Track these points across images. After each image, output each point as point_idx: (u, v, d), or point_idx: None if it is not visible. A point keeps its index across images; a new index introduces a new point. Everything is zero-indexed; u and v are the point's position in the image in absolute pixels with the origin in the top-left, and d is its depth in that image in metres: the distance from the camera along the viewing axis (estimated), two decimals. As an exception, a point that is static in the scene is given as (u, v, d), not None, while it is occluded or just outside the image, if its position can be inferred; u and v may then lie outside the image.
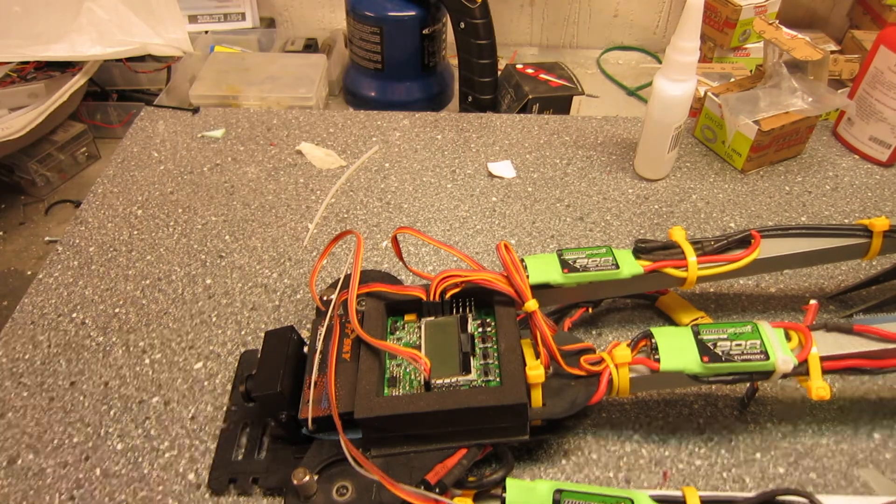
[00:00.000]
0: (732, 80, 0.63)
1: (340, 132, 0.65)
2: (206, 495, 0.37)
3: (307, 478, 0.32)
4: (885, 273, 0.48)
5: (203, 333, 0.46)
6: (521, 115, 0.69)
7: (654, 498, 0.30)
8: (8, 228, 0.62)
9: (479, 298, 0.38)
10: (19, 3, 0.63)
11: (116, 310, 0.48)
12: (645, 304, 0.48)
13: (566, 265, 0.39)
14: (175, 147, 0.63)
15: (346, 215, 0.56)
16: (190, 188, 0.59)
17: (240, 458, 0.38)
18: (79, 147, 0.68)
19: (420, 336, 0.37)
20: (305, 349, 0.39)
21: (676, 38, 0.51)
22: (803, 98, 0.58)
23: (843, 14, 0.87)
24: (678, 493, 0.31)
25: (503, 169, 0.61)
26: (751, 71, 0.66)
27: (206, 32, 0.86)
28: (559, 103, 0.71)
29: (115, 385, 0.43)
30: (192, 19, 0.86)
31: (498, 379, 0.34)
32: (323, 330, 0.38)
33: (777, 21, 0.61)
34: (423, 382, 0.34)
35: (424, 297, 0.37)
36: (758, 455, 0.39)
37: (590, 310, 0.45)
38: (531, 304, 0.35)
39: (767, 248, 0.41)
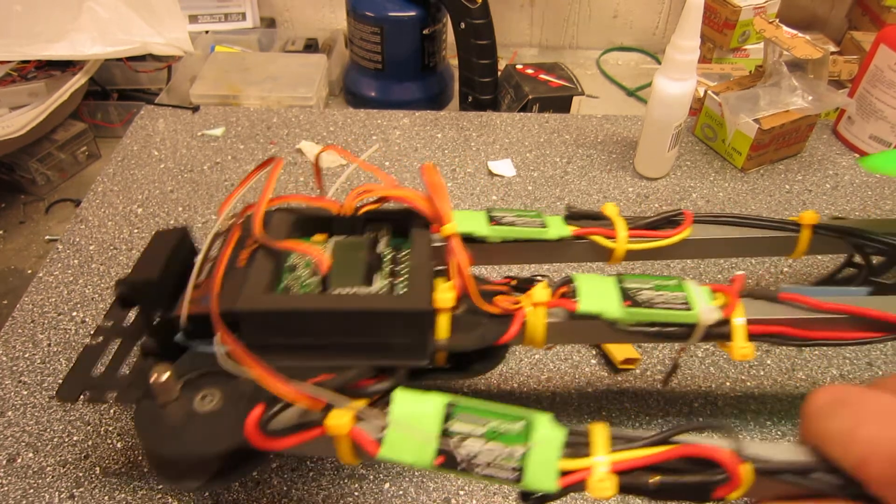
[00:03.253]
0: (732, 79, 0.63)
1: (340, 131, 0.65)
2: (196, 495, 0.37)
3: (166, 376, 0.27)
4: (814, 284, 0.47)
5: (203, 332, 0.46)
6: (522, 113, 0.69)
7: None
8: (8, 227, 0.62)
9: (397, 225, 0.35)
10: (20, 1, 0.63)
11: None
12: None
13: (493, 220, 0.37)
14: (175, 145, 0.63)
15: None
16: (190, 186, 0.59)
17: (100, 373, 0.33)
18: (79, 146, 0.68)
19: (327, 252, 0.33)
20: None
21: (676, 37, 0.52)
22: (803, 97, 0.58)
23: (842, 15, 0.87)
24: (582, 427, 0.27)
25: (503, 167, 0.61)
26: (750, 71, 0.67)
27: (207, 32, 0.86)
28: (559, 104, 0.71)
29: (115, 383, 0.43)
30: (193, 19, 0.86)
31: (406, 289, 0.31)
32: (219, 238, 0.34)
33: (777, 20, 0.61)
34: (319, 284, 0.31)
35: (335, 212, 0.34)
36: (758, 453, 0.39)
37: (513, 282, 0.44)
38: (450, 227, 0.32)
39: (698, 232, 0.40)
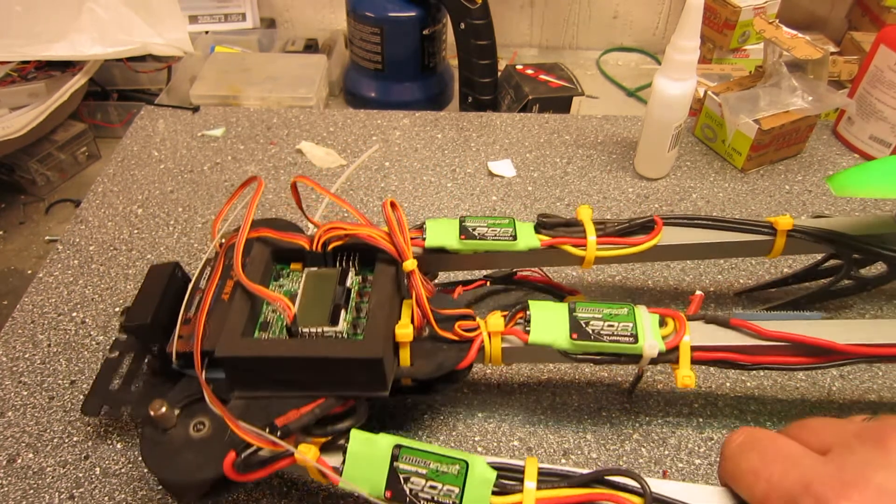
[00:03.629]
0: (732, 79, 0.63)
1: (340, 131, 0.66)
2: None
3: (163, 409, 0.32)
4: (794, 275, 0.47)
5: (203, 332, 0.46)
6: (522, 114, 0.69)
7: (491, 465, 0.29)
8: (8, 227, 0.62)
9: (364, 255, 0.37)
10: (20, 2, 0.63)
11: (116, 309, 0.47)
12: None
13: (465, 231, 0.38)
14: (175, 146, 0.63)
15: (346, 214, 0.56)
16: (190, 187, 0.59)
17: (117, 387, 0.38)
18: (79, 146, 0.68)
19: (300, 285, 0.36)
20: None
21: (676, 37, 0.52)
22: (803, 97, 0.58)
23: (842, 16, 0.87)
24: (519, 463, 0.30)
25: (503, 168, 0.61)
26: (750, 71, 0.67)
27: (207, 32, 0.86)
28: (559, 104, 0.71)
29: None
30: (193, 19, 0.86)
31: (364, 333, 0.33)
32: (208, 269, 0.37)
33: (777, 20, 0.61)
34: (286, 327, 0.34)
35: (308, 247, 0.37)
36: (758, 453, 0.39)
37: (487, 283, 0.44)
38: (409, 264, 0.34)
39: (669, 236, 0.40)
